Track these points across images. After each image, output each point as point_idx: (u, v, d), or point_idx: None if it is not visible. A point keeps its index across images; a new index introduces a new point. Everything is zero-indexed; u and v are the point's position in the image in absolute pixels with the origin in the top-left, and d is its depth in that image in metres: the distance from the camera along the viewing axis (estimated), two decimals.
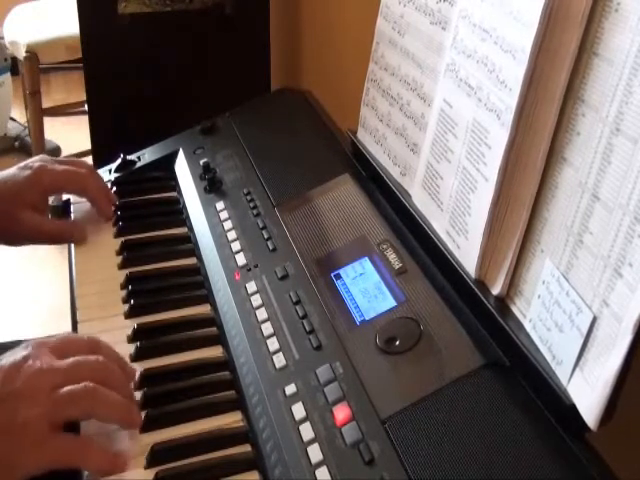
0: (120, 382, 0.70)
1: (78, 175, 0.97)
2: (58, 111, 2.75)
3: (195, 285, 0.88)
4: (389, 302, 0.73)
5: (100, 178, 1.02)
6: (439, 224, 0.78)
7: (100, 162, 1.11)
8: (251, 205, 0.93)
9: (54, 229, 0.97)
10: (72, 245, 0.97)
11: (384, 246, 0.79)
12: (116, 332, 0.81)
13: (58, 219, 1.02)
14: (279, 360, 0.72)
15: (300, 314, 0.75)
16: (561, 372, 0.60)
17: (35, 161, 0.96)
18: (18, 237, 0.96)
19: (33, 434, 0.63)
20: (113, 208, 1.01)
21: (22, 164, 0.96)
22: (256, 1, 1.68)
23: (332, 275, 0.79)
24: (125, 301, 0.86)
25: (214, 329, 0.81)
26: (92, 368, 0.68)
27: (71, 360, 0.67)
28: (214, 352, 0.78)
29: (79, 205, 1.02)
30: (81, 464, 0.66)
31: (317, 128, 1.07)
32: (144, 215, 1.01)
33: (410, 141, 0.87)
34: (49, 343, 0.69)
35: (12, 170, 0.95)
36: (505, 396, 0.62)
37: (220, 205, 0.96)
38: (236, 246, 0.88)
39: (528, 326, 0.65)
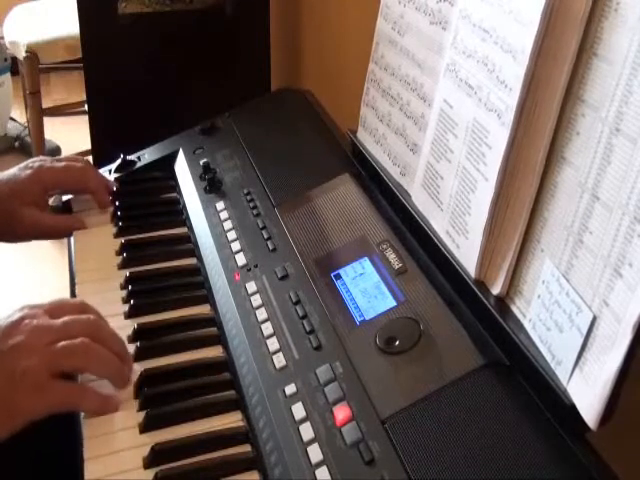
0: (110, 337, 0.75)
1: (77, 171, 1.00)
2: (58, 111, 2.74)
3: (195, 285, 0.88)
4: (389, 302, 0.73)
5: (97, 172, 1.04)
6: (439, 224, 0.78)
7: (100, 162, 1.11)
8: (251, 205, 0.93)
9: (54, 223, 0.99)
10: (72, 245, 0.97)
11: (384, 246, 0.79)
12: (116, 332, 0.81)
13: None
14: (279, 360, 0.72)
15: (300, 314, 0.75)
16: (561, 372, 0.60)
17: (35, 161, 0.99)
18: (19, 234, 0.98)
19: (33, 381, 0.67)
20: (111, 199, 1.03)
21: (22, 164, 0.98)
22: (256, 1, 1.69)
23: (332, 275, 0.79)
24: (125, 301, 0.86)
25: (214, 329, 0.81)
26: (84, 325, 0.73)
27: (65, 318, 0.72)
28: (214, 352, 0.78)
29: (78, 203, 1.02)
30: (78, 406, 0.71)
31: (317, 128, 1.07)
32: (144, 215, 1.01)
33: (410, 141, 0.87)
34: (43, 306, 0.74)
35: (13, 170, 0.97)
36: (505, 396, 0.62)
37: (220, 205, 0.96)
38: (236, 246, 0.88)
39: (528, 326, 0.65)
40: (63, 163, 0.99)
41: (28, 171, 0.96)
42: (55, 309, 0.74)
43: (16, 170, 0.97)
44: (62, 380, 0.69)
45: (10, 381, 0.67)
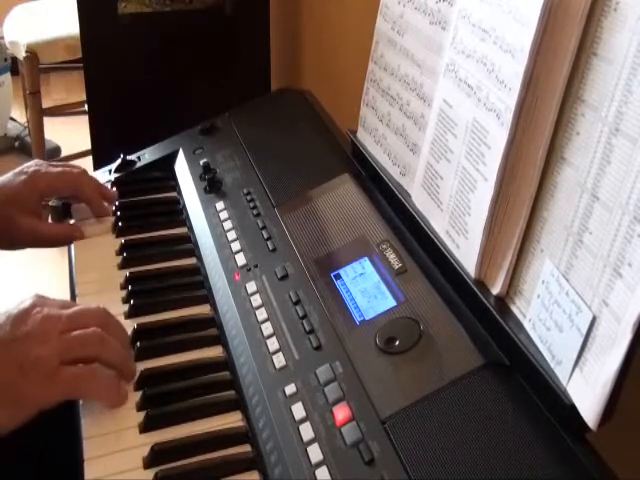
0: (118, 331, 0.76)
1: (72, 176, 0.98)
2: (58, 111, 2.74)
3: (195, 285, 0.88)
4: (389, 302, 0.73)
5: (94, 178, 1.02)
6: (439, 224, 0.78)
7: (100, 162, 1.11)
8: (251, 205, 0.93)
9: (52, 232, 0.98)
10: (72, 245, 0.97)
11: (384, 246, 0.79)
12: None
13: (57, 221, 1.02)
14: (279, 360, 0.72)
15: (300, 314, 0.75)
16: (561, 372, 0.60)
17: (30, 166, 0.97)
18: (17, 242, 0.97)
19: (45, 369, 0.67)
20: (113, 207, 1.01)
21: (17, 170, 0.97)
22: (256, 1, 1.69)
23: (332, 275, 0.79)
24: (125, 301, 0.86)
25: (214, 329, 0.81)
26: (94, 315, 0.73)
27: (75, 308, 0.73)
28: (214, 352, 0.78)
29: (78, 205, 1.02)
30: (88, 394, 0.71)
31: (317, 128, 1.07)
32: (144, 215, 1.01)
33: (410, 141, 0.87)
34: (55, 301, 0.74)
35: (7, 176, 0.96)
36: (505, 396, 0.62)
37: (220, 205, 0.96)
38: (236, 246, 0.88)
39: (528, 326, 0.65)
40: (59, 169, 0.98)
41: (23, 176, 0.94)
42: (63, 303, 0.74)
43: (11, 175, 0.95)
44: (73, 366, 0.69)
45: (21, 369, 0.67)
